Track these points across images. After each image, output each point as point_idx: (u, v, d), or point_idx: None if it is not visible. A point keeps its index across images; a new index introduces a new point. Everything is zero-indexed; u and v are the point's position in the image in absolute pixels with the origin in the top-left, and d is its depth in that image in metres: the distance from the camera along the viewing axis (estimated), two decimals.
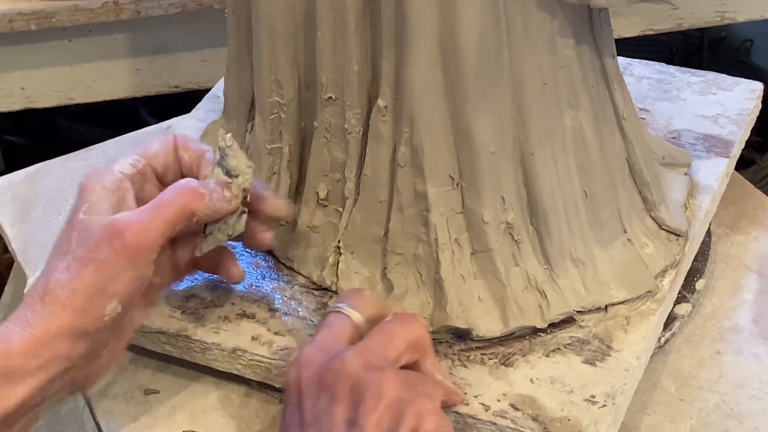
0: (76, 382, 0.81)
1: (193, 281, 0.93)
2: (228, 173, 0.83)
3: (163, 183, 0.85)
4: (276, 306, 0.91)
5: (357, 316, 0.82)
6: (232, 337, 0.88)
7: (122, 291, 0.78)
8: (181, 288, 0.92)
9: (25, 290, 0.90)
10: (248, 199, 0.85)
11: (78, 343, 0.77)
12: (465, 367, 0.85)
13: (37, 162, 1.15)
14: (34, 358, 0.76)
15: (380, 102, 0.86)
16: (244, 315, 0.90)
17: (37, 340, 0.76)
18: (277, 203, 0.88)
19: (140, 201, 0.82)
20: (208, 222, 0.84)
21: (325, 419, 0.75)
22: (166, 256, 0.87)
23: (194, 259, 0.88)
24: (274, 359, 0.86)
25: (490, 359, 0.86)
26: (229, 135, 0.83)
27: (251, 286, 0.92)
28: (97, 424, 0.89)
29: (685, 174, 1.00)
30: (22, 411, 0.77)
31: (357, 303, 0.82)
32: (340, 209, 0.91)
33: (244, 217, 0.85)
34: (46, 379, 0.77)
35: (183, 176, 0.85)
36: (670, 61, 1.17)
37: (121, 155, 0.85)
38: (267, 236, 0.88)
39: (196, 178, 0.84)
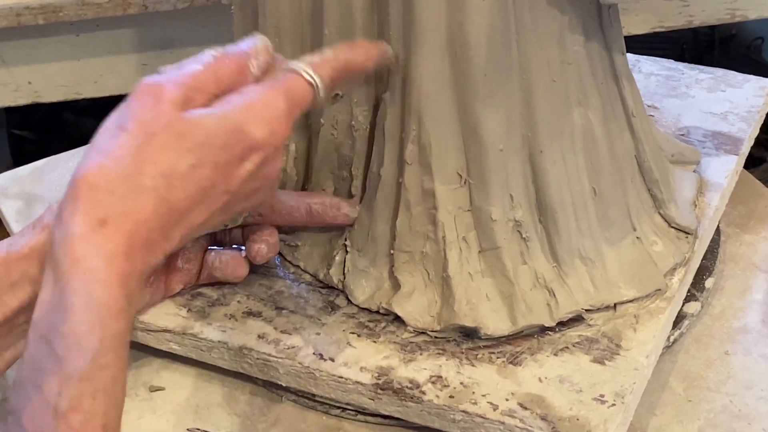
0: None
1: None
2: None
3: None
4: (282, 304, 0.90)
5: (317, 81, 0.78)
6: (238, 336, 0.88)
7: None
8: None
9: None
10: None
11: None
12: (473, 365, 0.85)
13: (44, 156, 1.15)
14: (7, 276, 0.77)
15: (387, 99, 0.86)
16: (250, 313, 0.90)
17: (11, 257, 0.78)
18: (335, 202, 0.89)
19: None
20: None
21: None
22: (196, 244, 0.89)
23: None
24: (281, 358, 0.86)
25: (498, 358, 0.86)
26: None
27: (257, 284, 0.92)
28: None
29: (694, 171, 0.99)
30: None
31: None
32: None
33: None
34: (17, 304, 0.78)
35: None
36: (680, 59, 1.16)
37: None
38: (254, 248, 0.89)
39: None
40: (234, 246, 0.92)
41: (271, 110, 0.73)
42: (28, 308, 0.79)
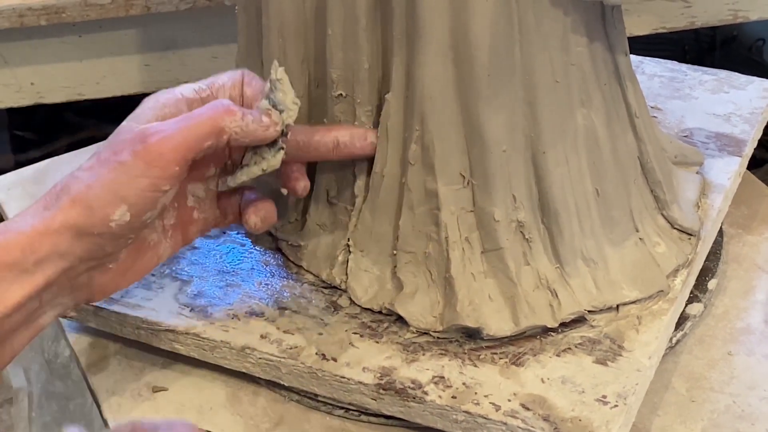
0: (78, 290, 0.81)
1: (202, 280, 0.93)
2: (274, 106, 0.82)
3: None
4: (285, 304, 0.90)
5: None
6: (241, 335, 0.88)
7: (134, 198, 0.78)
8: (190, 287, 0.92)
9: None
10: (288, 137, 0.83)
11: (79, 242, 0.77)
12: (475, 366, 0.85)
13: (46, 158, 1.15)
14: (32, 253, 0.76)
15: (391, 99, 0.86)
16: (253, 313, 0.90)
17: (38, 232, 0.76)
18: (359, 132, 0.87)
19: None
20: (240, 146, 0.83)
21: None
22: (210, 192, 0.86)
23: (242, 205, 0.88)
24: (283, 357, 0.86)
25: (500, 359, 0.86)
26: (281, 68, 0.82)
27: (260, 284, 0.92)
28: (105, 421, 0.89)
29: (697, 173, 0.99)
30: (20, 315, 0.77)
31: None
32: (350, 207, 0.91)
33: (281, 153, 0.83)
34: (44, 281, 0.77)
35: None
36: (681, 60, 1.17)
37: None
38: (300, 185, 0.87)
39: None
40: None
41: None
42: (55, 283, 0.78)
